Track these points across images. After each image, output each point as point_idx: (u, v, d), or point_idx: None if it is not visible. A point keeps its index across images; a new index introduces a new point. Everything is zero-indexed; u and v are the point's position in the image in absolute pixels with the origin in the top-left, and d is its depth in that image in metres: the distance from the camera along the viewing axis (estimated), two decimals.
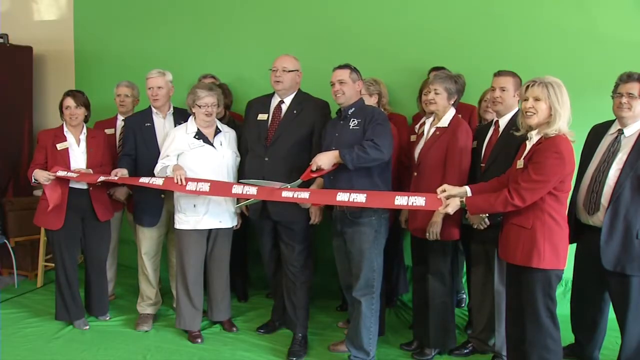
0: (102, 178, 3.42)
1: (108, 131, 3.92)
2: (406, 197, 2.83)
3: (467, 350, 3.35)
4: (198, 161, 3.36)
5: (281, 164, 3.25)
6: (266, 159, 3.29)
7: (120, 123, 4.04)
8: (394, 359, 3.33)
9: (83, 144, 3.62)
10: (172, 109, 3.74)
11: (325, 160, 2.97)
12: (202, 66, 4.43)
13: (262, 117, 3.38)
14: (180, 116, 3.66)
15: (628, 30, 3.76)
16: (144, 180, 3.37)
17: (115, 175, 3.42)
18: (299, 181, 3.09)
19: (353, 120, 3.06)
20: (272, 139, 3.30)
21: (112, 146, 3.84)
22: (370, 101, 3.47)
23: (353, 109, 3.10)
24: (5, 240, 4.53)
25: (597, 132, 3.05)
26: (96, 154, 3.61)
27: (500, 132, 3.08)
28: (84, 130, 3.65)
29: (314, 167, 3.01)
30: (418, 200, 2.80)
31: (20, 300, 4.20)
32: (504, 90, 3.05)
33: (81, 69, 5.12)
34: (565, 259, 2.59)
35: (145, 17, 4.91)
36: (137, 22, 4.93)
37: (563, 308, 3.45)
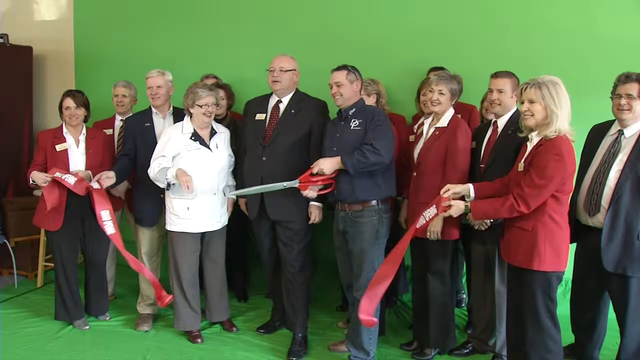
0: (94, 184, 3.45)
1: (106, 132, 3.91)
2: (422, 218, 2.81)
3: (467, 350, 3.35)
4: (194, 163, 3.34)
5: (279, 164, 3.25)
6: (264, 158, 3.29)
7: (118, 123, 4.04)
8: (394, 359, 3.33)
9: (82, 144, 3.61)
10: (171, 109, 3.74)
11: (328, 165, 2.98)
12: (202, 66, 4.43)
13: (259, 116, 3.38)
14: (180, 116, 3.65)
15: (628, 30, 3.76)
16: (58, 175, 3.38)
17: (97, 182, 3.45)
18: (296, 181, 3.08)
19: (354, 121, 3.07)
20: (269, 139, 3.30)
21: (111, 147, 3.84)
22: (369, 101, 3.47)
23: (354, 109, 3.10)
24: (5, 240, 4.52)
25: (597, 133, 3.04)
26: (95, 155, 3.61)
27: (498, 133, 3.08)
28: (84, 130, 3.64)
29: (315, 170, 3.00)
30: (431, 211, 2.79)
31: (20, 300, 4.20)
32: (501, 92, 3.04)
33: (81, 69, 5.12)
34: (566, 260, 2.59)
35: (145, 17, 4.90)
36: (137, 22, 4.93)
37: (563, 308, 3.45)
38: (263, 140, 3.32)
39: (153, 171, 3.36)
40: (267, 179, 3.23)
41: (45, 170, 3.49)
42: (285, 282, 3.45)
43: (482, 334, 3.32)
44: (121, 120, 4.02)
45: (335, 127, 3.15)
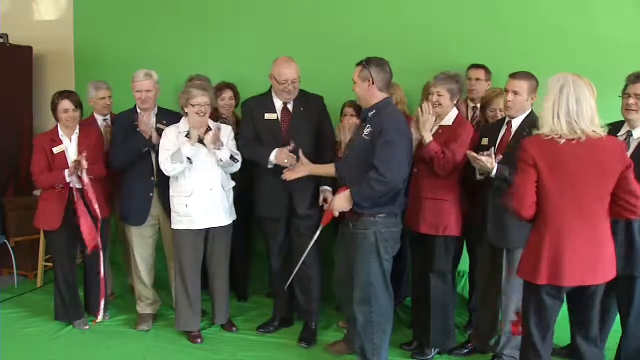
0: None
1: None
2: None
3: (467, 350, 3.35)
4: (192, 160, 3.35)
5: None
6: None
7: (102, 123, 4.00)
8: (394, 359, 3.33)
9: (75, 143, 3.61)
10: (156, 109, 3.69)
11: (343, 204, 2.88)
12: (202, 66, 4.41)
13: (270, 116, 3.41)
14: (164, 116, 3.63)
15: (628, 31, 3.76)
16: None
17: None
18: (321, 227, 3.09)
19: (368, 128, 2.87)
20: (289, 136, 3.36)
21: (103, 144, 3.80)
22: None
23: (373, 111, 2.89)
24: (5, 240, 4.53)
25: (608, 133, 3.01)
26: (90, 154, 3.56)
27: (512, 133, 3.04)
28: (77, 130, 3.64)
29: (336, 214, 2.93)
30: None
31: (20, 300, 4.20)
32: (516, 94, 2.97)
33: (81, 69, 5.12)
34: (545, 272, 2.33)
35: (145, 17, 4.90)
36: (137, 22, 4.93)
37: (563, 308, 3.45)
38: (282, 139, 3.36)
39: (166, 164, 3.33)
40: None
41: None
42: (299, 277, 3.44)
43: (483, 334, 3.32)
44: (104, 120, 3.99)
45: (358, 127, 3.09)
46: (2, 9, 5.34)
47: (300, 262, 3.21)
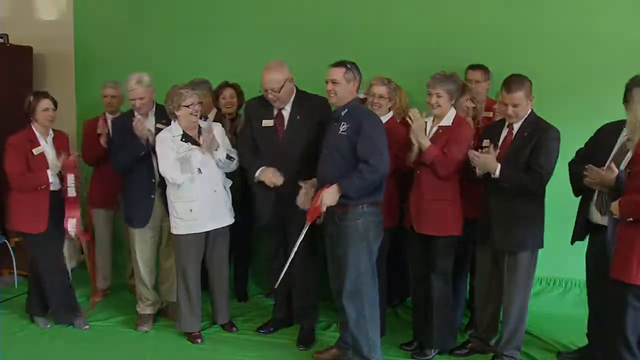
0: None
1: (101, 131, 3.91)
2: None
3: (467, 350, 3.35)
4: None
5: (297, 168, 3.25)
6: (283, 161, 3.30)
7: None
8: (394, 358, 3.33)
9: (51, 145, 3.61)
10: (154, 108, 3.68)
11: (331, 198, 2.90)
12: (202, 67, 4.42)
13: (267, 123, 3.37)
14: (163, 114, 3.60)
15: (628, 30, 3.76)
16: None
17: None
18: (307, 224, 3.03)
19: (344, 124, 2.96)
20: (282, 145, 3.31)
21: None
22: (389, 105, 3.43)
23: (346, 110, 2.99)
24: (5, 240, 4.52)
25: (607, 132, 2.98)
26: (65, 155, 3.57)
27: (514, 134, 3.05)
28: (51, 132, 3.64)
29: (323, 209, 2.93)
30: None
31: (21, 300, 4.18)
32: (516, 107, 2.97)
33: (81, 69, 5.11)
34: None
35: (145, 17, 4.90)
36: (137, 22, 4.92)
37: (563, 308, 3.47)
38: (279, 148, 3.32)
39: (174, 173, 3.31)
40: (286, 182, 3.24)
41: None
42: (297, 278, 3.46)
43: (483, 334, 3.32)
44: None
45: (329, 126, 3.09)
46: (2, 9, 5.34)
47: (289, 261, 3.13)
